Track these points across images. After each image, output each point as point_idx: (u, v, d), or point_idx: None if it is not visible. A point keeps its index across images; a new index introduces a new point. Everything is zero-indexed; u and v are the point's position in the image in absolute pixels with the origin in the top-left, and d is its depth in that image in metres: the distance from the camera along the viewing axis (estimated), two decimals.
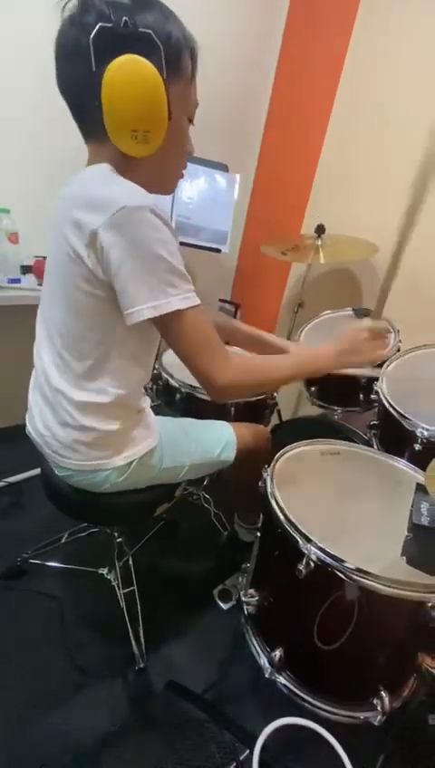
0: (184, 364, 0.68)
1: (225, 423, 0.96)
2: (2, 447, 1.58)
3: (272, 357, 0.83)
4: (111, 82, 0.54)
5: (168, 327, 0.64)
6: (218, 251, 1.66)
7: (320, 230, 1.46)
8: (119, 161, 0.62)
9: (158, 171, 0.68)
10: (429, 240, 1.41)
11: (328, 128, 1.68)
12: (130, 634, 1.01)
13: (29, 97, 1.38)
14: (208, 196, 1.63)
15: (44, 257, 1.47)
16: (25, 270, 1.47)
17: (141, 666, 0.97)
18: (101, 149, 0.63)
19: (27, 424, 0.85)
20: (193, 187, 1.60)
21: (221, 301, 2.17)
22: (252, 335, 1.06)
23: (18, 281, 1.43)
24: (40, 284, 1.44)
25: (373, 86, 1.52)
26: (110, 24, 0.53)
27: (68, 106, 0.63)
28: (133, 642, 1.00)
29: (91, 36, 0.53)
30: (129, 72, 0.54)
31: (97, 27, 0.53)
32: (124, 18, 0.53)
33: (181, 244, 1.82)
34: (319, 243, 1.45)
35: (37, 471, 1.52)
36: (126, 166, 0.63)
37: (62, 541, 1.23)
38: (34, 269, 1.45)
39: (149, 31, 0.54)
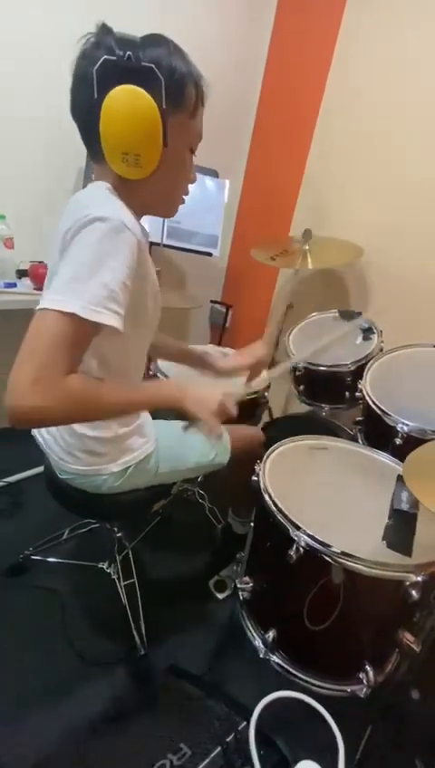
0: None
1: (221, 428, 0.99)
2: (1, 448, 1.61)
3: (113, 386, 0.69)
4: (107, 108, 0.59)
5: (37, 320, 0.57)
6: (210, 254, 1.71)
7: (307, 235, 1.52)
8: (118, 182, 0.67)
9: (156, 195, 0.71)
10: (411, 243, 1.48)
11: (314, 134, 1.74)
12: (132, 623, 1.06)
13: (26, 107, 1.41)
14: (199, 200, 1.68)
15: (40, 261, 1.52)
16: (21, 274, 1.50)
17: (143, 653, 1.02)
18: (103, 170, 0.68)
19: (35, 431, 0.89)
20: None
21: (213, 302, 2.22)
22: (179, 350, 1.04)
23: (14, 285, 1.47)
24: (36, 288, 1.48)
25: (358, 93, 1.58)
26: (114, 58, 0.58)
27: (78, 129, 0.68)
28: (135, 631, 1.05)
29: (95, 67, 0.58)
30: (124, 100, 0.59)
31: (101, 59, 0.58)
32: (129, 53, 0.58)
33: (173, 248, 1.87)
34: (306, 247, 1.51)
35: (36, 470, 1.56)
36: (125, 187, 0.67)
37: (63, 537, 1.27)
38: (30, 273, 1.48)
39: (152, 65, 0.59)
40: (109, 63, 0.58)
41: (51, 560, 1.23)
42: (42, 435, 0.84)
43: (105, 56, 0.58)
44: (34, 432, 0.88)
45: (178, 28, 1.73)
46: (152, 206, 0.73)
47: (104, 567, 1.19)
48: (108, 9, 1.41)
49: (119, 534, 1.13)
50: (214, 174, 1.71)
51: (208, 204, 1.70)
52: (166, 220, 1.61)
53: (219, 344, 2.09)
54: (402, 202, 1.49)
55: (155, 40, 0.63)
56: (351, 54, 1.58)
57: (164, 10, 1.54)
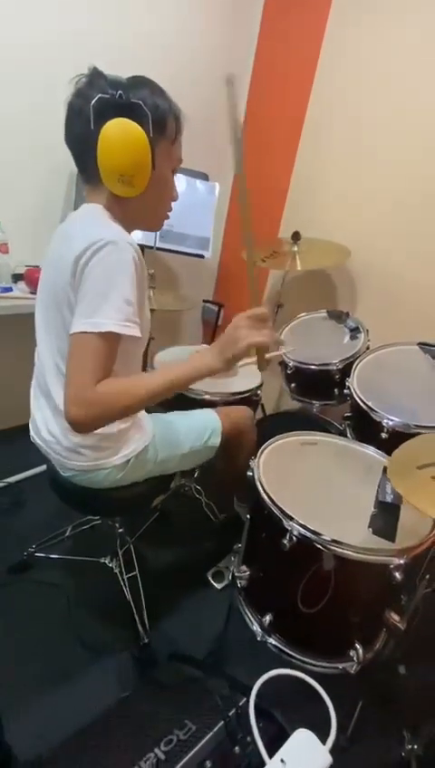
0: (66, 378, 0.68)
1: (209, 410, 1.07)
2: (0, 449, 1.64)
3: (146, 374, 0.86)
4: (104, 138, 0.68)
5: (77, 343, 0.66)
6: (202, 257, 1.75)
7: (296, 237, 1.57)
8: (111, 202, 0.76)
9: (145, 211, 0.81)
10: (396, 245, 1.54)
11: (301, 138, 1.79)
12: (135, 613, 1.11)
13: (18, 112, 1.43)
14: (190, 203, 1.71)
15: (36, 266, 1.55)
16: (17, 278, 1.53)
17: (146, 641, 1.08)
18: (96, 192, 0.76)
19: (31, 431, 0.94)
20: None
21: (205, 301, 2.27)
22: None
23: (10, 289, 1.49)
24: (32, 292, 1.51)
25: (344, 97, 1.62)
26: (107, 96, 0.68)
27: (72, 156, 0.76)
28: (137, 621, 1.10)
29: (92, 103, 0.67)
30: (119, 130, 0.68)
31: (96, 97, 0.67)
32: (120, 92, 0.68)
33: (166, 250, 1.90)
34: (295, 249, 1.56)
35: (36, 471, 1.60)
36: (117, 205, 0.76)
37: (66, 534, 1.32)
38: (26, 277, 1.50)
39: (140, 102, 0.69)
40: (103, 101, 0.67)
41: (54, 556, 1.27)
42: (42, 438, 0.89)
43: (99, 95, 0.67)
44: (33, 436, 0.93)
45: (165, 33, 1.78)
46: (140, 221, 0.83)
47: (106, 562, 1.23)
48: (96, 11, 1.44)
49: (120, 530, 1.18)
50: (204, 177, 1.74)
51: (199, 206, 1.74)
52: None
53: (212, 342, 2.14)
54: (388, 204, 1.54)
55: (139, 81, 0.73)
56: (336, 58, 1.63)
57: (151, 14, 1.57)
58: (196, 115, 1.90)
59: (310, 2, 1.65)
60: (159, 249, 1.66)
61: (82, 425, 0.65)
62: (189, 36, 1.69)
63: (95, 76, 0.71)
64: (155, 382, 0.72)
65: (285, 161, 1.84)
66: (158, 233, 1.64)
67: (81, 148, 0.73)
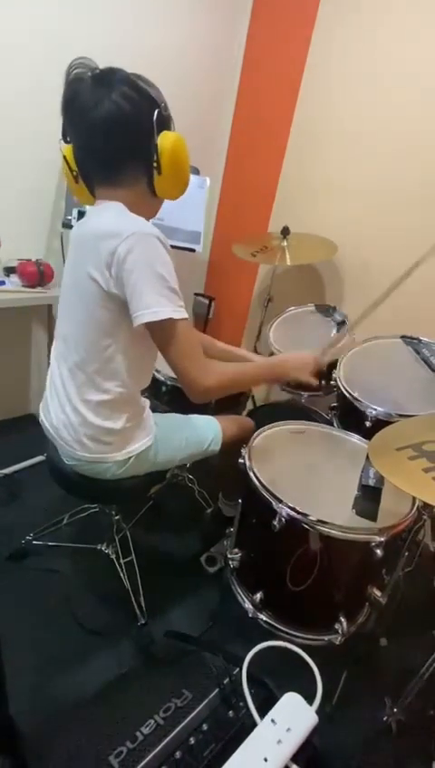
0: (170, 367, 0.82)
1: (211, 418, 1.08)
2: None
3: (242, 365, 1.01)
4: (170, 151, 0.76)
5: (160, 332, 0.78)
6: (193, 250, 1.77)
7: (285, 231, 1.61)
8: (136, 200, 0.80)
9: (159, 207, 0.89)
10: (381, 241, 1.59)
11: (290, 133, 1.81)
12: (132, 596, 1.16)
13: (9, 108, 1.42)
14: (181, 197, 1.73)
15: (28, 259, 1.56)
16: (9, 272, 1.54)
17: (143, 622, 1.13)
18: (116, 190, 0.80)
19: (41, 414, 0.97)
20: None
21: (196, 294, 2.29)
22: (226, 350, 1.21)
23: (3, 283, 1.50)
24: (24, 286, 1.52)
25: (331, 95, 1.65)
26: (159, 109, 0.75)
27: (90, 155, 0.80)
28: (134, 603, 1.15)
29: (154, 118, 0.75)
30: (180, 146, 0.78)
31: (156, 112, 0.75)
32: (164, 103, 0.76)
33: None
34: (285, 244, 1.59)
35: (32, 461, 1.62)
36: (141, 203, 0.81)
37: (63, 523, 1.36)
38: (18, 270, 1.51)
39: (169, 112, 0.79)
40: (160, 116, 0.75)
41: (52, 544, 1.31)
42: (51, 422, 0.92)
43: (157, 109, 0.75)
44: (42, 420, 0.96)
45: (155, 31, 1.78)
46: (152, 214, 0.88)
47: (103, 548, 1.28)
48: (84, 10, 1.44)
49: (117, 517, 1.23)
50: (195, 171, 1.76)
51: (190, 201, 1.75)
52: None
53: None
54: (373, 201, 1.59)
55: (152, 84, 0.78)
56: (324, 57, 1.65)
57: (141, 12, 1.57)
58: (187, 111, 1.94)
59: (298, 1, 1.67)
60: None
61: (209, 391, 0.82)
62: (180, 33, 1.69)
63: (127, 81, 0.74)
64: (251, 373, 0.97)
65: (274, 157, 1.87)
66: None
67: (124, 154, 0.78)
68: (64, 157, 0.82)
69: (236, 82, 1.94)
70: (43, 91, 1.38)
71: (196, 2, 1.69)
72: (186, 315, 0.77)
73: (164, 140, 0.75)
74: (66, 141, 0.81)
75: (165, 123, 0.77)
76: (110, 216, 0.78)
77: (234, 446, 1.06)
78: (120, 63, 0.78)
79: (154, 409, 1.01)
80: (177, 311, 0.75)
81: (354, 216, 1.66)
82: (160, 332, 0.78)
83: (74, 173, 0.82)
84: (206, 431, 1.05)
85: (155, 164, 0.76)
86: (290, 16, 1.71)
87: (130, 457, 0.92)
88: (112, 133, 0.75)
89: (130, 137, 0.76)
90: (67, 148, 0.81)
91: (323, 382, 1.37)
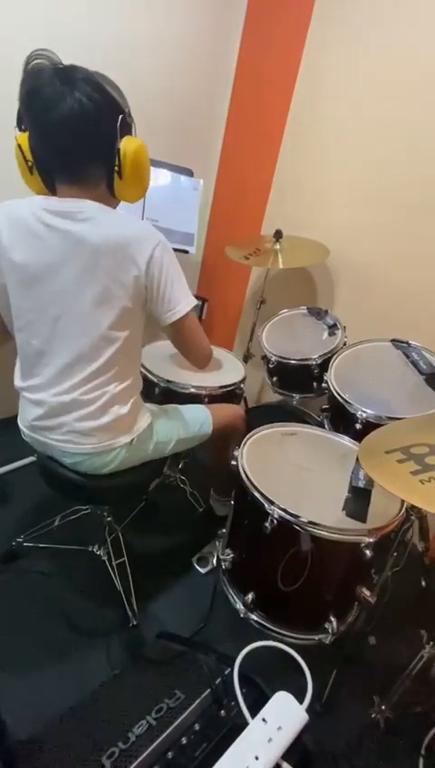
0: (187, 349, 1.01)
1: (201, 405, 1.17)
2: None
3: None
4: (131, 156, 0.79)
5: (186, 321, 0.91)
6: (186, 252, 1.78)
7: (278, 235, 1.62)
8: (103, 200, 0.83)
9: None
10: (372, 245, 1.62)
11: (283, 138, 1.83)
12: (123, 597, 1.16)
13: None
14: (175, 199, 1.74)
15: None
16: None
17: (135, 623, 1.13)
18: (84, 190, 0.81)
19: (25, 429, 0.97)
20: (160, 190, 1.69)
21: None
22: None
23: None
24: None
25: (325, 98, 1.67)
26: (123, 116, 0.77)
27: (55, 154, 0.79)
28: (126, 604, 1.15)
29: (118, 124, 0.76)
30: (142, 153, 0.81)
31: (120, 117, 0.76)
32: (128, 110, 0.79)
33: None
34: (277, 247, 1.61)
35: (20, 463, 1.61)
36: (107, 204, 0.84)
37: (54, 525, 1.35)
38: None
39: (131, 117, 0.81)
40: (123, 121, 0.77)
41: (43, 546, 1.30)
42: (48, 428, 0.91)
43: (121, 114, 0.77)
44: (28, 432, 0.96)
45: (149, 32, 1.78)
46: None
47: (94, 550, 1.27)
48: (79, 9, 1.43)
49: (109, 518, 1.22)
50: (189, 173, 1.77)
51: (184, 202, 1.76)
52: (144, 218, 1.67)
53: None
54: (366, 206, 1.61)
55: (115, 85, 0.79)
56: (319, 59, 1.66)
57: (136, 12, 1.57)
58: (181, 112, 1.95)
59: (292, 4, 1.68)
60: None
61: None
62: (173, 35, 1.70)
63: (91, 81, 0.74)
64: None
65: (267, 160, 1.88)
66: None
67: (85, 155, 0.78)
68: (19, 145, 0.79)
69: (229, 84, 1.95)
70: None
71: (189, 1, 1.69)
72: (195, 301, 0.92)
73: (127, 145, 0.78)
74: (21, 129, 0.79)
75: (128, 128, 0.79)
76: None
77: (225, 433, 1.13)
78: (112, 61, 0.78)
79: None
80: (191, 302, 0.91)
81: (347, 220, 1.68)
82: (186, 321, 0.91)
83: (29, 163, 0.80)
84: (195, 415, 1.13)
85: (117, 168, 0.79)
86: (285, 17, 1.72)
87: (134, 438, 0.96)
88: (76, 133, 0.75)
89: (92, 138, 0.77)
90: (22, 137, 0.78)
91: (315, 385, 1.39)
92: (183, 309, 0.88)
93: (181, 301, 0.88)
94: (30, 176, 0.82)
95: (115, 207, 0.89)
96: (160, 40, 1.67)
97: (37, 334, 0.86)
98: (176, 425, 1.08)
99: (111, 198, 0.84)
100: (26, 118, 0.77)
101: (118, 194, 0.84)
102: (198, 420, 1.12)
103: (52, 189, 0.83)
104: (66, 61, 0.77)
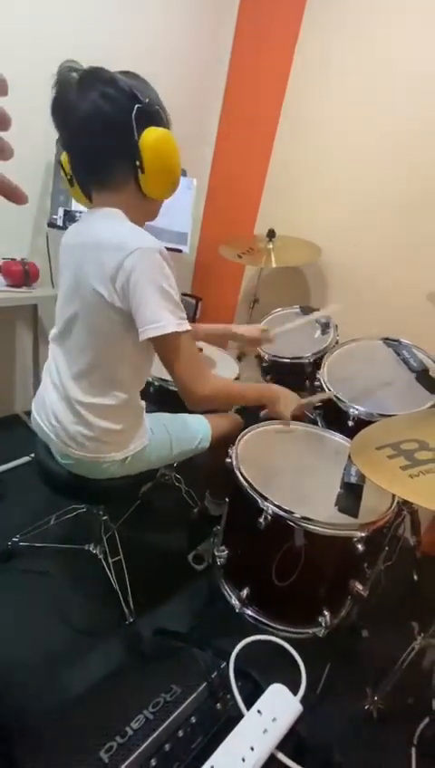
0: (171, 376, 0.85)
1: (200, 417, 1.12)
2: None
3: (237, 383, 1.10)
4: (152, 149, 0.73)
5: (165, 345, 0.80)
6: (180, 251, 1.79)
7: (271, 234, 1.64)
8: (133, 204, 0.80)
9: (157, 208, 0.89)
10: (363, 245, 1.64)
11: (275, 139, 1.84)
12: (120, 595, 1.17)
13: None
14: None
15: (13, 259, 1.54)
16: None
17: (131, 620, 1.14)
18: (111, 195, 0.79)
19: (35, 412, 0.97)
20: None
21: (183, 295, 2.30)
22: (209, 332, 1.31)
23: None
24: (8, 285, 1.51)
25: (317, 100, 1.68)
26: (142, 105, 0.72)
27: (79, 160, 0.79)
28: (123, 602, 1.16)
29: (133, 114, 0.71)
30: (164, 143, 0.74)
31: (135, 108, 0.71)
32: (147, 99, 0.73)
33: None
34: (270, 246, 1.62)
35: (18, 462, 1.61)
36: (138, 207, 0.81)
37: (50, 524, 1.35)
38: (3, 270, 1.50)
39: (159, 108, 0.75)
40: (141, 111, 0.72)
41: (39, 545, 1.31)
42: (50, 423, 0.92)
43: (136, 105, 0.72)
44: (37, 420, 0.96)
45: (142, 31, 1.79)
46: (150, 218, 0.88)
47: (90, 548, 1.28)
48: (73, 10, 1.43)
49: (105, 517, 1.23)
50: (182, 173, 1.77)
51: (177, 202, 1.76)
52: None
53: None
54: (356, 206, 1.63)
55: (143, 80, 0.76)
56: (310, 61, 1.68)
57: (129, 13, 1.57)
58: (173, 111, 1.93)
59: (285, 1, 1.69)
60: None
61: (208, 401, 0.87)
62: (167, 33, 1.70)
63: (108, 80, 0.72)
64: (247, 394, 1.02)
65: (260, 160, 1.90)
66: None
67: (107, 155, 0.76)
68: (60, 161, 0.82)
69: (222, 84, 1.96)
70: (26, 88, 1.37)
71: (181, 3, 1.69)
72: (188, 327, 0.79)
73: (146, 137, 0.73)
74: (64, 147, 0.80)
75: (150, 118, 0.73)
76: (112, 226, 0.78)
77: (223, 443, 1.09)
78: (104, 63, 0.77)
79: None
80: (180, 324, 0.78)
81: (338, 220, 1.69)
82: (165, 345, 0.80)
83: (69, 176, 0.82)
84: (195, 429, 1.09)
85: (138, 162, 0.74)
86: (277, 16, 1.73)
87: (127, 457, 0.94)
88: (92, 134, 0.73)
89: (110, 135, 0.74)
90: (64, 154, 0.81)
91: (308, 383, 1.41)
92: (162, 327, 0.75)
93: (157, 320, 0.75)
94: (72, 189, 0.84)
95: (152, 209, 0.86)
96: (152, 39, 1.67)
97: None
98: (173, 444, 1.04)
99: (143, 199, 0.80)
100: (57, 130, 0.77)
101: (146, 190, 0.78)
102: (196, 436, 1.08)
103: (90, 199, 0.83)
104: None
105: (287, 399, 1.09)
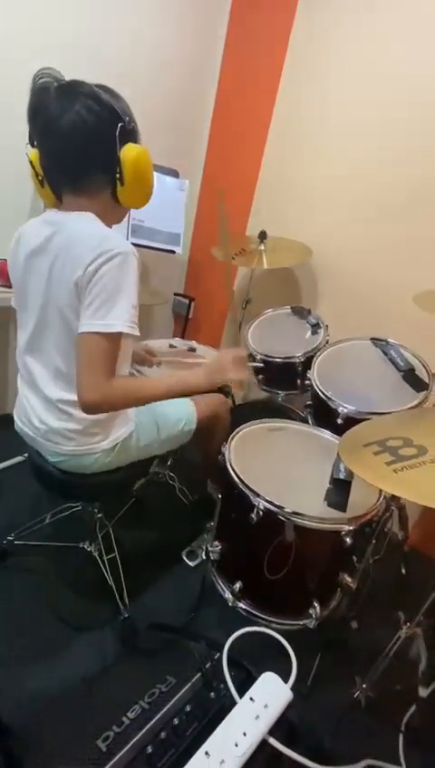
0: (76, 371, 0.81)
1: (184, 399, 1.15)
2: None
3: (149, 380, 1.04)
4: (132, 163, 0.80)
5: (90, 341, 0.78)
6: (173, 252, 1.80)
7: (262, 236, 1.66)
8: (104, 209, 0.84)
9: (123, 215, 0.95)
10: (353, 246, 1.67)
11: (267, 141, 1.86)
12: (115, 591, 1.19)
13: None
14: (161, 200, 1.75)
15: (4, 259, 1.54)
16: None
17: (126, 615, 1.16)
18: (85, 200, 0.83)
19: (18, 421, 0.99)
20: None
21: (176, 294, 2.32)
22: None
23: None
24: (1, 285, 1.51)
25: (309, 98, 1.70)
26: (123, 124, 0.78)
27: (56, 165, 0.82)
28: (117, 597, 1.18)
29: (117, 132, 0.78)
30: (142, 160, 0.81)
31: (119, 126, 0.77)
32: (127, 118, 0.79)
33: (138, 246, 1.95)
34: (262, 248, 1.65)
35: (12, 461, 1.62)
36: (109, 213, 0.86)
37: (45, 522, 1.37)
38: None
39: (133, 124, 0.82)
40: (123, 129, 0.78)
41: (34, 543, 1.32)
42: (33, 426, 0.94)
43: (120, 123, 0.78)
44: (21, 426, 0.97)
45: (133, 33, 1.79)
46: (116, 222, 0.95)
47: (85, 546, 1.30)
48: (65, 13, 1.44)
49: (99, 515, 1.25)
50: (175, 174, 1.79)
51: (170, 203, 1.78)
52: (130, 219, 1.68)
53: (183, 335, 2.21)
54: (346, 208, 1.66)
55: (117, 95, 0.80)
56: (302, 63, 1.70)
57: (119, 13, 1.58)
58: (165, 113, 1.97)
59: (277, 3, 1.71)
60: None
61: (96, 407, 0.80)
62: (157, 36, 1.71)
63: (91, 94, 0.76)
64: (157, 390, 0.91)
65: (252, 162, 1.92)
66: (130, 228, 1.68)
67: (87, 165, 0.81)
68: (31, 161, 0.85)
69: (214, 85, 1.97)
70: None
71: (172, 4, 1.70)
72: (121, 329, 0.78)
73: (127, 153, 0.80)
74: (33, 146, 0.83)
75: (129, 136, 0.80)
76: (89, 229, 0.81)
77: (210, 424, 1.13)
78: (97, 66, 0.79)
79: None
80: (131, 327, 0.79)
81: (329, 222, 1.72)
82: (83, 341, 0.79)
83: (39, 177, 0.85)
84: (178, 410, 1.12)
85: (118, 175, 0.81)
86: (268, 17, 1.75)
87: (116, 444, 0.96)
88: (76, 144, 0.78)
89: (93, 148, 0.79)
90: (33, 153, 0.83)
91: (299, 382, 1.43)
92: (94, 326, 0.76)
93: (94, 317, 0.76)
94: (42, 189, 0.87)
95: (122, 214, 0.93)
96: (143, 41, 1.68)
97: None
98: (159, 428, 1.07)
99: (116, 205, 0.86)
100: (34, 134, 0.81)
101: (122, 200, 0.85)
102: (181, 419, 1.11)
103: (60, 201, 0.86)
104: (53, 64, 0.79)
105: (220, 366, 0.99)
